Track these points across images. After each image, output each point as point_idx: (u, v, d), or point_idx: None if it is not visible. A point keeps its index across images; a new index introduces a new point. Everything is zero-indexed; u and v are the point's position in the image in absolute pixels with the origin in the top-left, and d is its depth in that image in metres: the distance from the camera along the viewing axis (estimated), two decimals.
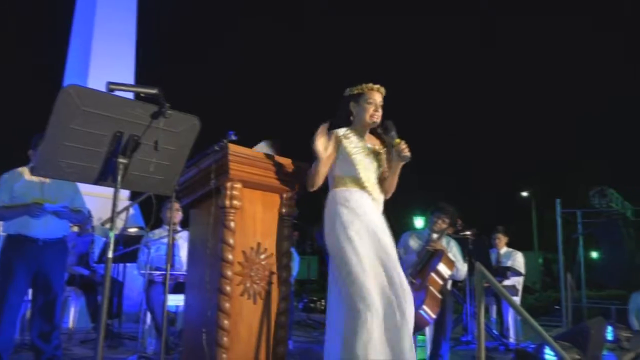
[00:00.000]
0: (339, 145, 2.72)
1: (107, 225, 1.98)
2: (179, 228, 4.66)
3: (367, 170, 2.72)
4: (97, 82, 5.96)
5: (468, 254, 4.71)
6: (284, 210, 2.77)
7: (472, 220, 5.41)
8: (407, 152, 2.65)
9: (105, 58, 8.17)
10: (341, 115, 2.81)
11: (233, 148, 2.52)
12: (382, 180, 2.80)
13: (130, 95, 2.03)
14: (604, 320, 4.70)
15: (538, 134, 28.03)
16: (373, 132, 2.85)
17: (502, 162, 27.17)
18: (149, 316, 4.39)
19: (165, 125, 1.95)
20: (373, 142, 2.84)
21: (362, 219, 2.59)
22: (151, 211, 2.93)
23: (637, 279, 7.58)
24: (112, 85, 1.87)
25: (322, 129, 2.64)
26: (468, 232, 4.90)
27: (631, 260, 9.97)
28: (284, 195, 2.78)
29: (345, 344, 2.41)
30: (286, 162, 2.74)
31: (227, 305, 2.46)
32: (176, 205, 4.13)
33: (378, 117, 2.75)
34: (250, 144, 2.63)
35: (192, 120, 2.06)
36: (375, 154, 2.78)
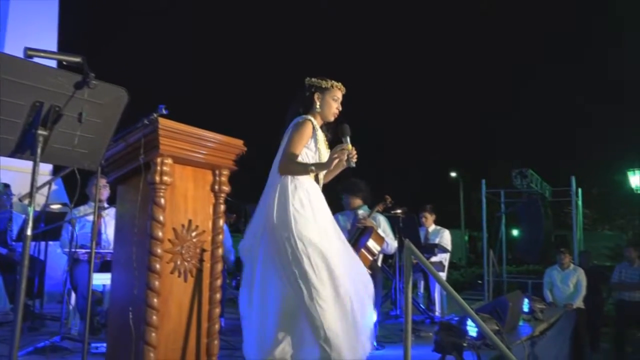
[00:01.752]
0: (313, 134, 2.69)
1: (26, 201, 1.86)
2: (105, 205, 4.49)
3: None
4: (14, 47, 5.53)
5: (398, 232, 4.86)
6: (216, 187, 2.73)
7: (403, 199, 5.58)
8: (354, 160, 2.63)
9: (24, 21, 7.57)
10: (303, 102, 2.77)
11: (164, 122, 2.43)
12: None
13: (52, 63, 1.91)
14: (521, 294, 5.01)
15: (468, 117, 29.14)
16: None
17: (432, 145, 28.10)
18: (73, 296, 4.23)
19: (89, 96, 1.85)
20: None
21: (321, 210, 2.61)
22: (76, 187, 2.79)
23: (552, 255, 8.11)
24: (30, 51, 1.73)
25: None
26: (399, 211, 5.06)
27: (547, 238, 10.69)
28: (217, 172, 2.73)
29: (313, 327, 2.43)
30: (219, 138, 2.68)
31: (156, 283, 2.40)
32: (103, 181, 3.96)
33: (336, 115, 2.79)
34: (181, 119, 2.55)
35: (119, 92, 1.95)
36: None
